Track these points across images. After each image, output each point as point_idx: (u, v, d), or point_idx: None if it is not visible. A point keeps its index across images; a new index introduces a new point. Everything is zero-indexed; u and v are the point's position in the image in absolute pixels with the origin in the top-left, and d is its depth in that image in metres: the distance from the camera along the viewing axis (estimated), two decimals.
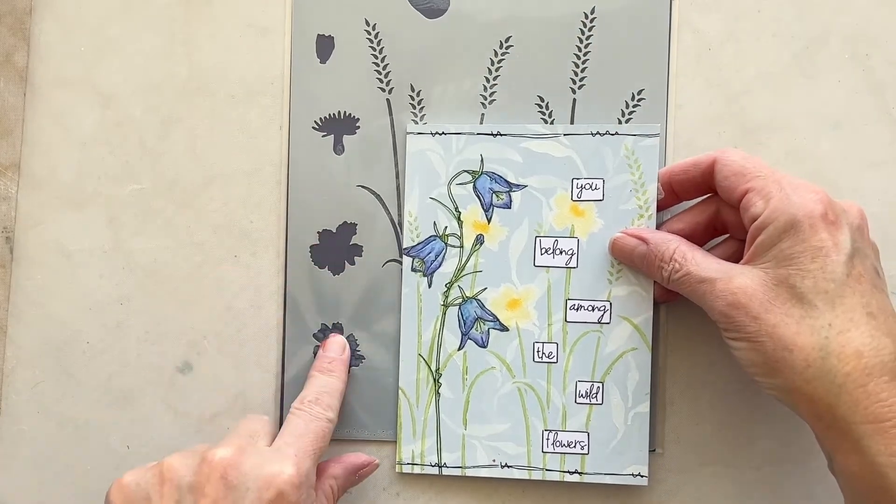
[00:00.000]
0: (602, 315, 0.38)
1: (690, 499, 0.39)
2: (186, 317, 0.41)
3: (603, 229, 0.38)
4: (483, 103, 0.40)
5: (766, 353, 0.32)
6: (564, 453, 0.38)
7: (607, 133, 0.38)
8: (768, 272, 0.32)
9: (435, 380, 0.39)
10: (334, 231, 0.40)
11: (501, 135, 0.39)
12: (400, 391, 0.39)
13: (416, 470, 0.39)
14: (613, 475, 0.38)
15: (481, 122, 0.40)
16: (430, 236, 0.39)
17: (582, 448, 0.38)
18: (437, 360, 0.39)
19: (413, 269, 0.39)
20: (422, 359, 0.39)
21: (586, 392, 0.38)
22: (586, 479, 0.38)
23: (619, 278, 0.38)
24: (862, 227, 0.33)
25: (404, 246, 0.39)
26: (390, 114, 0.40)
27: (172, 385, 0.40)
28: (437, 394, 0.39)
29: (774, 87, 0.39)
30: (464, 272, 0.39)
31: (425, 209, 0.39)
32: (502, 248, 0.39)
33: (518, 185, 0.39)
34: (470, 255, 0.39)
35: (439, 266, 0.39)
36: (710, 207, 0.37)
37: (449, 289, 0.39)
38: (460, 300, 0.39)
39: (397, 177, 0.40)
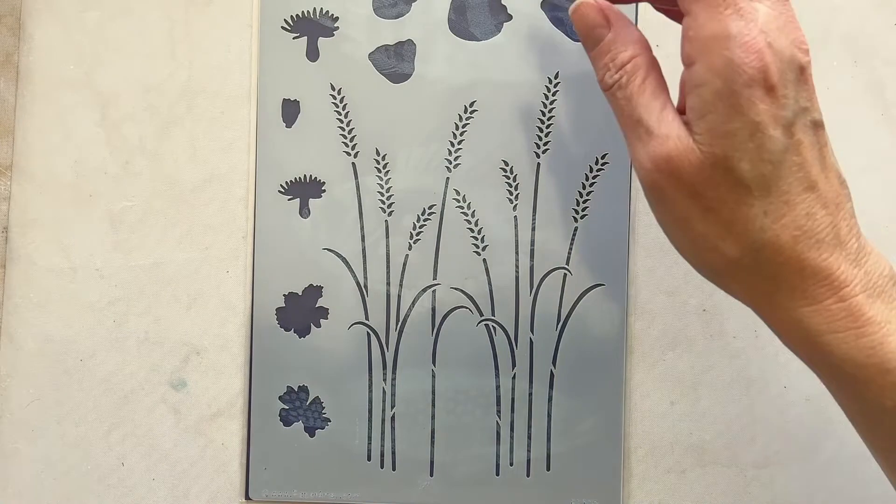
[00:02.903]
0: None
1: (691, 498, 0.39)
2: (187, 317, 0.41)
3: None
4: (448, 167, 0.40)
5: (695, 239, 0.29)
6: None
7: None
8: (703, 149, 0.28)
9: None
10: (300, 294, 0.40)
11: None
12: None
13: None
14: None
15: (446, 187, 0.40)
16: None
17: None
18: None
19: None
20: None
21: None
22: None
23: None
24: (803, 70, 0.28)
25: None
26: (356, 177, 0.40)
27: (172, 381, 0.41)
28: None
29: None
30: None
31: None
32: None
33: None
34: None
35: None
36: None
37: None
38: None
39: (363, 240, 0.40)
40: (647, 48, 0.30)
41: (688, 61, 0.28)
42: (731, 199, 0.28)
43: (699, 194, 0.28)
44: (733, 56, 0.26)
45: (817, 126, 0.28)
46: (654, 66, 0.30)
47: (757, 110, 0.27)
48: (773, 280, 0.28)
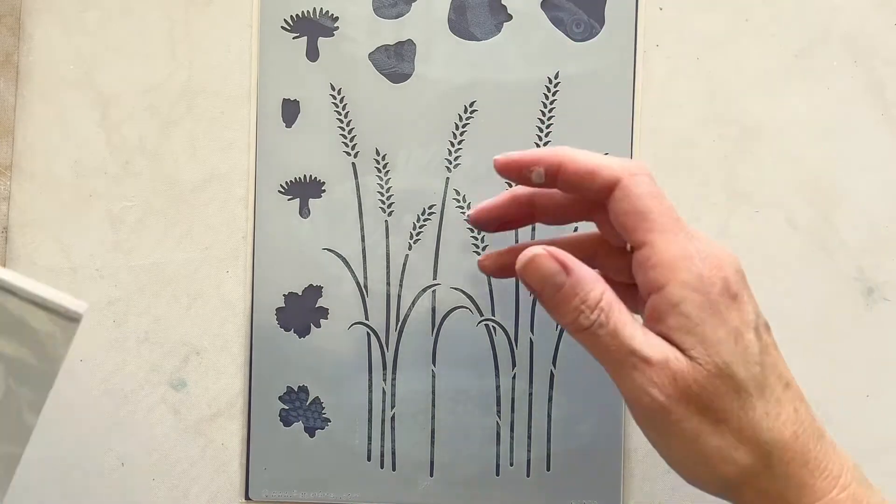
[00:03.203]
0: None
1: (691, 498, 0.39)
2: (187, 317, 0.41)
3: None
4: (448, 167, 0.40)
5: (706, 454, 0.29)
6: None
7: None
8: (702, 361, 0.28)
9: None
10: (300, 294, 0.40)
11: None
12: None
13: None
14: None
15: (446, 187, 0.40)
16: None
17: None
18: None
19: None
20: None
21: None
22: None
23: None
24: (744, 276, 0.30)
25: None
26: (356, 177, 0.40)
27: (172, 381, 0.41)
28: None
29: (771, 91, 0.40)
30: None
31: None
32: None
33: None
34: None
35: None
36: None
37: None
38: None
39: (363, 240, 0.40)
40: (604, 282, 0.30)
41: (655, 286, 0.29)
42: (737, 406, 0.28)
43: (708, 408, 0.28)
44: (702, 271, 0.28)
45: (768, 328, 0.30)
46: (614, 293, 0.30)
47: (732, 317, 0.28)
48: (784, 480, 0.29)
